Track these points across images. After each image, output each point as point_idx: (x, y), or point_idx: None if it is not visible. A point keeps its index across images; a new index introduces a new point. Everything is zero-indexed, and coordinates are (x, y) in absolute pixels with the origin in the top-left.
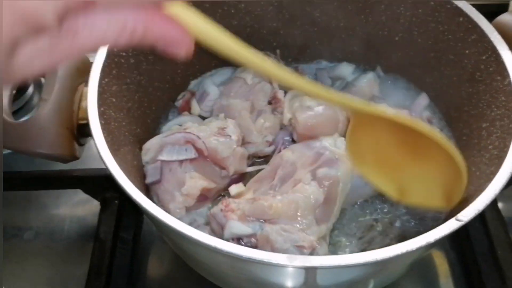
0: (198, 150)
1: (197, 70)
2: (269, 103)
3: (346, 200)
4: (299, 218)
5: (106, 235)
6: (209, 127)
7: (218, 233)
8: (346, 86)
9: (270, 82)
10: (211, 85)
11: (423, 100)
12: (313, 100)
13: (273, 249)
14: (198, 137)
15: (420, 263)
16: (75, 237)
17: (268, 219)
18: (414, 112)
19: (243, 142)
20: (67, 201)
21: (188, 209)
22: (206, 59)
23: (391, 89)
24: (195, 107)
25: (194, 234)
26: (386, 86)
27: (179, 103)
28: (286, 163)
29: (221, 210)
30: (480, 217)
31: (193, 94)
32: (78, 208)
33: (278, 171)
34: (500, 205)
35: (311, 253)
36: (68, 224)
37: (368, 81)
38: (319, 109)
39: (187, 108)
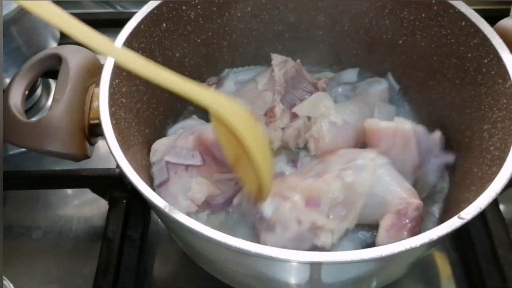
0: (205, 149)
1: (203, 73)
2: (265, 114)
3: (370, 213)
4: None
5: (114, 234)
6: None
7: None
8: (359, 93)
9: (273, 93)
10: (230, 80)
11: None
12: (338, 115)
13: (286, 227)
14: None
15: (422, 263)
16: (83, 236)
17: (289, 197)
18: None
19: None
20: (75, 200)
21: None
22: (213, 63)
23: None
24: None
25: (203, 230)
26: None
27: (204, 85)
28: (324, 161)
29: None
30: (482, 218)
31: (219, 80)
32: (86, 207)
33: (317, 166)
34: (501, 206)
35: (318, 238)
36: (76, 223)
37: (381, 90)
38: (343, 125)
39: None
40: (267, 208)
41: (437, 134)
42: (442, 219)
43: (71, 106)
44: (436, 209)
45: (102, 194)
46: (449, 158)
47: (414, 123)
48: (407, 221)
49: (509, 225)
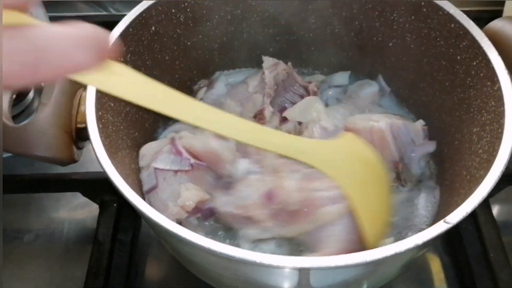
0: (194, 157)
1: (194, 75)
2: (255, 116)
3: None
4: None
5: (104, 237)
6: (204, 133)
7: None
8: (350, 96)
9: (263, 95)
10: (221, 82)
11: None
12: (329, 120)
13: (237, 197)
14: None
15: (414, 266)
16: (74, 240)
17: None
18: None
19: None
20: (67, 203)
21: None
22: (204, 66)
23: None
24: (201, 93)
25: (188, 236)
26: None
27: (195, 88)
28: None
29: None
30: (473, 221)
31: (210, 83)
32: (78, 210)
33: (314, 171)
34: (493, 208)
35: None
36: (68, 227)
37: (372, 92)
38: (334, 130)
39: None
40: (243, 163)
41: (420, 123)
42: (432, 220)
43: (58, 110)
44: (422, 202)
45: (92, 198)
46: (431, 146)
47: (394, 116)
48: None
49: (501, 227)
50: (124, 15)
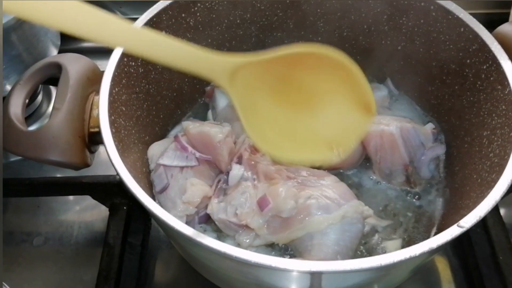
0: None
1: (204, 79)
2: None
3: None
4: None
5: (114, 240)
6: (204, 122)
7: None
8: None
9: None
10: (220, 96)
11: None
12: None
13: (231, 205)
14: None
15: (423, 269)
16: (84, 243)
17: (259, 181)
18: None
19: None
20: (76, 206)
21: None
22: None
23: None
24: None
25: (203, 240)
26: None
27: (207, 89)
28: (319, 178)
29: (249, 146)
30: (482, 223)
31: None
32: (87, 213)
33: (310, 177)
34: (501, 211)
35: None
36: (77, 230)
37: (381, 96)
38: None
39: (212, 94)
40: (237, 172)
41: (429, 126)
42: (441, 223)
43: (70, 115)
44: (431, 204)
45: (102, 201)
46: (441, 149)
47: (404, 119)
48: None
49: (510, 230)
50: (130, 19)
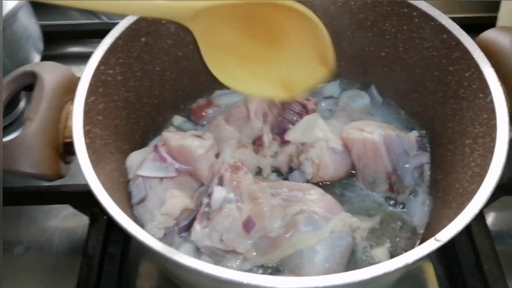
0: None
1: (186, 86)
2: (253, 142)
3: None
4: None
5: (94, 250)
6: (186, 133)
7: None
8: (343, 108)
9: (263, 122)
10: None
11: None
12: (337, 140)
13: (215, 230)
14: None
15: (409, 277)
16: (65, 251)
17: (243, 202)
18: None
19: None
20: (57, 214)
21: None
22: (196, 75)
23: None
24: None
25: (173, 255)
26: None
27: (193, 106)
28: (305, 193)
29: (230, 165)
30: (467, 232)
31: (210, 102)
32: (68, 221)
33: (295, 191)
34: (487, 216)
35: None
36: (58, 238)
37: (364, 104)
38: (343, 151)
39: (199, 113)
40: (219, 194)
41: (413, 134)
42: (425, 233)
43: (45, 125)
44: (414, 212)
45: (82, 210)
46: (425, 157)
47: (388, 126)
48: None
49: (495, 236)
50: (116, 23)
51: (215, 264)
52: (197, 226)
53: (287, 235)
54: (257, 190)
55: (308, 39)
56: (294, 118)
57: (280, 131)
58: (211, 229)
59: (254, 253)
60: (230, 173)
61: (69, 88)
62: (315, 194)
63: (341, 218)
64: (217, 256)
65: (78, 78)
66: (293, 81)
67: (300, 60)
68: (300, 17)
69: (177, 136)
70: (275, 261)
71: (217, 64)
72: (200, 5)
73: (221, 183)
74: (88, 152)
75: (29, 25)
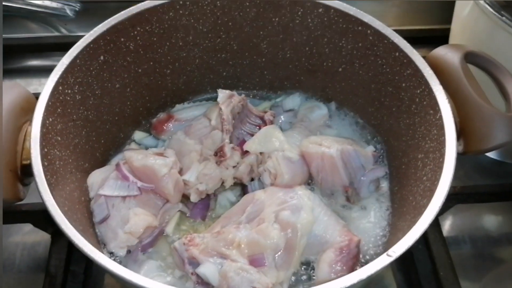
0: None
1: (147, 101)
2: (215, 154)
3: (310, 251)
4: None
5: (56, 269)
6: (147, 152)
7: (180, 266)
8: (301, 119)
9: (222, 132)
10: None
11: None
12: (292, 149)
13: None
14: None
15: (370, 284)
16: (26, 270)
17: (229, 255)
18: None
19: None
20: (19, 230)
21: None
22: (157, 91)
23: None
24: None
25: (127, 275)
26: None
27: (153, 121)
28: (256, 201)
29: (184, 244)
30: (424, 240)
31: (170, 117)
32: (30, 237)
33: (248, 208)
34: (444, 224)
35: None
36: (19, 257)
37: (322, 115)
38: (298, 160)
39: (160, 128)
40: (207, 269)
41: (370, 149)
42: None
43: (1, 147)
44: (374, 220)
45: (44, 228)
46: (380, 172)
47: (345, 141)
48: (349, 257)
49: (451, 243)
50: (76, 36)
51: (174, 269)
52: None
53: (289, 235)
54: (222, 238)
55: None
56: (253, 130)
57: (239, 143)
58: None
59: (281, 273)
60: (191, 248)
61: (26, 108)
62: (271, 193)
63: (304, 193)
64: None
65: (36, 98)
66: None
67: None
68: None
69: (140, 156)
70: (299, 262)
71: None
72: None
73: (197, 263)
74: (46, 175)
75: None
